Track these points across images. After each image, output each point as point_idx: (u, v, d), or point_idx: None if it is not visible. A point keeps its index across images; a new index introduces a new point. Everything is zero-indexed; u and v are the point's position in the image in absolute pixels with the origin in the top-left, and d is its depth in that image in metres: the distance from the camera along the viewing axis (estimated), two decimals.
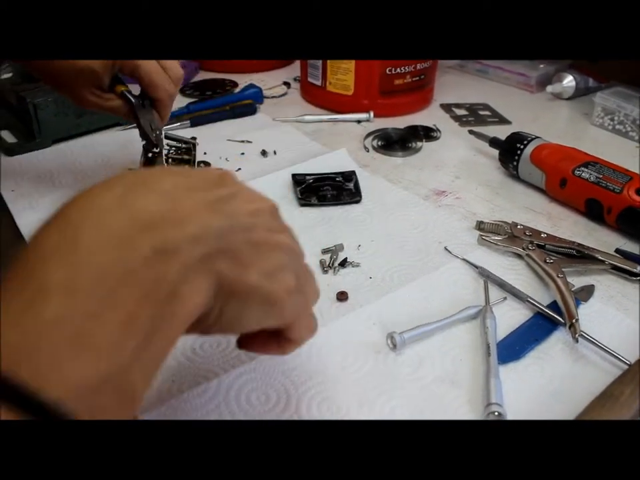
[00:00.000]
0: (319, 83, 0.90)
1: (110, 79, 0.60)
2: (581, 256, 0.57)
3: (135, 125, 0.64)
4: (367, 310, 0.51)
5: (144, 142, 0.64)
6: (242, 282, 0.30)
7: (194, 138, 0.72)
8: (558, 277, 0.53)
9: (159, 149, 0.63)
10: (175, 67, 0.62)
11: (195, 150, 0.69)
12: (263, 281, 0.31)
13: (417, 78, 0.87)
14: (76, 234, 0.24)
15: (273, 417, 0.42)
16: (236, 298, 0.30)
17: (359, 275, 0.56)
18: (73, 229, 0.25)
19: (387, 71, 0.84)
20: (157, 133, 0.63)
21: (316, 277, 0.55)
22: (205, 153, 0.78)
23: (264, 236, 0.32)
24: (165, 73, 0.61)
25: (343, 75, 0.86)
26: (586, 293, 0.54)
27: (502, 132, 0.75)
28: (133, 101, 0.62)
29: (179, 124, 0.85)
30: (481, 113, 0.91)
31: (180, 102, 0.92)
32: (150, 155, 0.63)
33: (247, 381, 0.45)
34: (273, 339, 0.37)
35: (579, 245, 0.58)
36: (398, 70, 0.85)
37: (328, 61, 0.86)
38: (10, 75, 0.90)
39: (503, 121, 0.89)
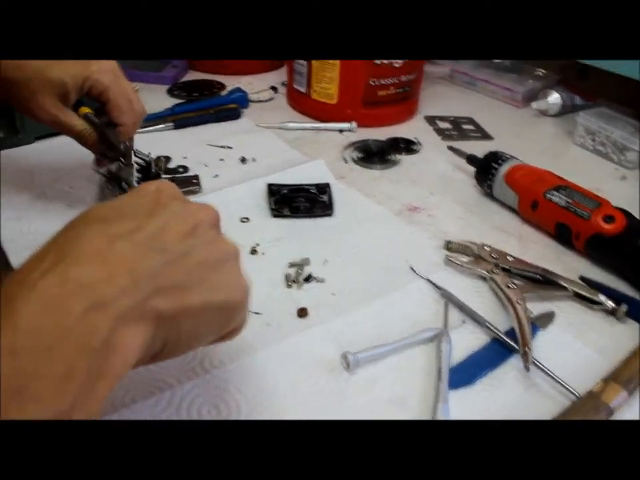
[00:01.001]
0: (304, 90, 0.90)
1: (76, 98, 0.59)
2: (545, 281, 0.57)
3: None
4: (326, 327, 0.52)
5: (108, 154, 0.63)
6: (187, 307, 0.32)
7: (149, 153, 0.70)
8: (517, 302, 0.53)
9: (127, 160, 0.63)
10: (139, 101, 0.63)
11: (151, 166, 0.68)
12: (212, 296, 0.34)
13: (401, 90, 0.87)
14: (14, 304, 0.27)
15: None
16: (187, 321, 0.33)
17: (323, 290, 0.56)
18: (12, 299, 0.27)
19: (371, 82, 0.85)
20: (125, 144, 0.63)
21: (279, 291, 0.56)
22: (184, 157, 0.78)
23: (204, 255, 0.34)
24: (130, 104, 0.61)
25: (327, 83, 0.86)
26: (546, 319, 0.54)
27: (483, 147, 0.75)
28: (97, 121, 0.61)
29: (162, 126, 0.85)
30: (465, 127, 0.91)
31: (166, 102, 0.92)
32: (117, 165, 0.62)
33: (200, 394, 0.45)
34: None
35: (544, 270, 0.58)
36: (382, 81, 0.85)
37: (312, 68, 0.86)
38: None
39: (486, 136, 0.89)
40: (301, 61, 0.88)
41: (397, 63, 0.84)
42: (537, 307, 0.55)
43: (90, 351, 0.28)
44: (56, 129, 0.62)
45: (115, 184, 0.62)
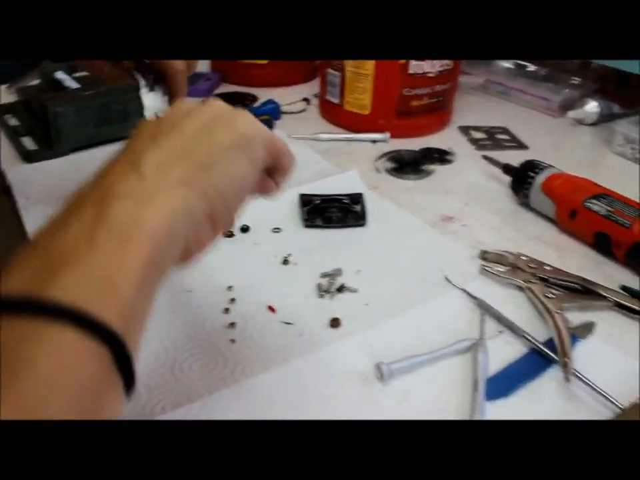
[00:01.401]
0: (336, 101, 0.90)
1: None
2: (584, 291, 0.56)
3: None
4: (358, 338, 0.51)
5: None
6: (206, 156, 0.34)
7: None
8: (556, 312, 0.52)
9: None
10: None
11: None
12: (224, 138, 0.36)
13: (435, 99, 0.87)
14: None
15: None
16: (214, 167, 0.34)
17: (356, 300, 0.56)
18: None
19: (404, 92, 0.84)
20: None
21: (312, 301, 0.56)
22: None
23: (202, 118, 0.36)
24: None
25: (360, 94, 0.86)
26: (585, 329, 0.52)
27: (518, 157, 0.74)
28: (141, 82, 0.59)
29: None
30: (499, 136, 0.90)
31: None
32: None
33: (230, 404, 0.45)
34: (266, 177, 0.42)
35: (583, 279, 0.56)
36: (416, 91, 0.84)
37: (346, 79, 0.86)
38: (38, 81, 0.93)
39: (521, 146, 0.88)
40: (334, 72, 0.88)
41: (431, 72, 0.83)
42: (576, 317, 0.53)
43: (107, 221, 0.28)
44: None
45: None
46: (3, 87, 1.03)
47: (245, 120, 0.38)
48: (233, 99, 1.01)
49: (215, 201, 0.34)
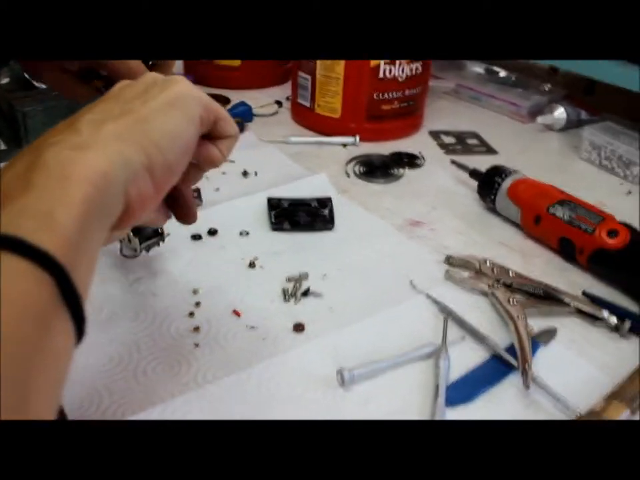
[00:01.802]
0: (307, 104, 0.90)
1: (79, 69, 0.57)
2: (547, 297, 0.56)
3: None
4: (322, 342, 0.51)
5: None
6: (142, 113, 0.35)
7: None
8: (518, 318, 0.52)
9: None
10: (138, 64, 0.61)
11: None
12: (159, 98, 0.36)
13: (405, 104, 0.87)
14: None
15: None
16: (151, 123, 0.34)
17: (320, 305, 0.56)
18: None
19: (375, 96, 0.84)
20: None
21: (276, 305, 0.56)
22: None
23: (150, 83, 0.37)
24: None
25: (331, 97, 0.86)
26: (547, 335, 0.53)
27: (488, 162, 0.74)
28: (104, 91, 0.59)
29: None
30: (469, 141, 0.91)
31: None
32: None
33: (192, 409, 0.44)
34: (210, 144, 0.41)
35: (546, 285, 0.57)
36: (386, 95, 0.85)
37: (317, 83, 0.86)
38: (7, 80, 0.91)
39: (490, 151, 0.88)
40: (305, 75, 0.88)
41: (401, 77, 0.84)
42: (538, 323, 0.54)
43: (46, 165, 0.29)
44: (60, 92, 0.59)
45: None
46: None
47: (182, 83, 0.38)
48: None
49: (152, 153, 0.34)
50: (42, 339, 0.24)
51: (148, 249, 0.58)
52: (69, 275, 0.26)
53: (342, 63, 0.82)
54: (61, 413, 0.42)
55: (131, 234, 0.56)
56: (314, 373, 0.48)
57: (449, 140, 0.91)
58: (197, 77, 1.08)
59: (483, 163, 0.76)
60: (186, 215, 0.45)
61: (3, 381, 0.22)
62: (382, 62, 0.82)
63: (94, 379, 0.47)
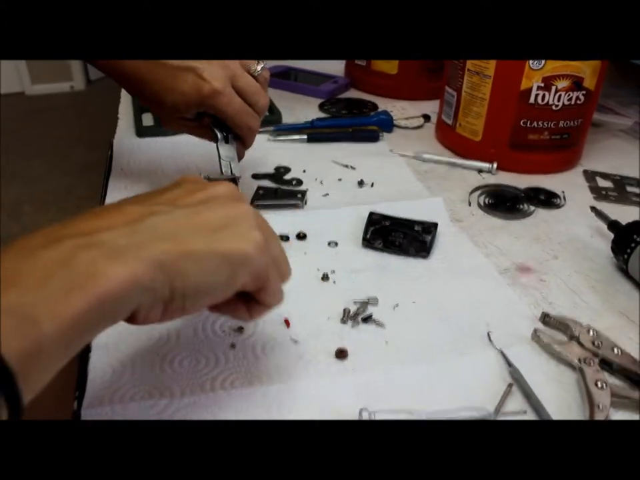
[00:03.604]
0: (450, 122, 0.84)
1: (194, 114, 0.63)
2: None
3: None
4: (359, 376, 0.46)
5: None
6: (188, 252, 0.33)
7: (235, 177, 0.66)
8: (599, 407, 0.43)
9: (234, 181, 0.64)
10: (261, 98, 0.63)
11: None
12: (216, 244, 0.34)
13: (558, 136, 0.77)
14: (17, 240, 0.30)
15: None
16: (190, 267, 0.33)
17: (377, 336, 0.50)
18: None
19: (522, 123, 0.76)
20: (232, 165, 0.64)
21: (330, 325, 0.52)
22: (304, 171, 0.77)
23: (211, 214, 0.36)
24: (250, 108, 0.63)
25: (473, 118, 0.79)
26: None
27: None
28: (218, 135, 0.64)
29: (296, 137, 0.85)
30: (630, 189, 0.78)
31: (314, 115, 0.92)
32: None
33: (194, 413, 0.42)
34: (241, 302, 0.39)
35: None
36: (535, 124, 0.76)
37: (461, 101, 0.80)
38: None
39: None
40: (452, 91, 0.82)
41: (556, 105, 0.74)
42: (627, 417, 0.44)
43: (71, 265, 0.29)
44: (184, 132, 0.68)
45: None
46: None
47: (253, 237, 0.36)
48: (352, 105, 0.99)
49: (177, 294, 0.33)
50: None
51: None
52: (16, 383, 0.26)
53: (489, 82, 0.75)
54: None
55: None
56: (335, 407, 0.43)
57: (604, 184, 0.79)
58: (353, 81, 1.07)
59: (637, 216, 0.64)
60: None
61: None
62: (535, 85, 0.73)
63: (127, 350, 0.47)
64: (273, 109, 0.94)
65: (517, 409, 0.44)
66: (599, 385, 0.45)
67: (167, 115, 0.63)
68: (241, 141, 0.66)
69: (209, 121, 0.64)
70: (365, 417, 0.41)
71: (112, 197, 0.70)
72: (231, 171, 0.64)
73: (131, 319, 0.33)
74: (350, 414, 0.43)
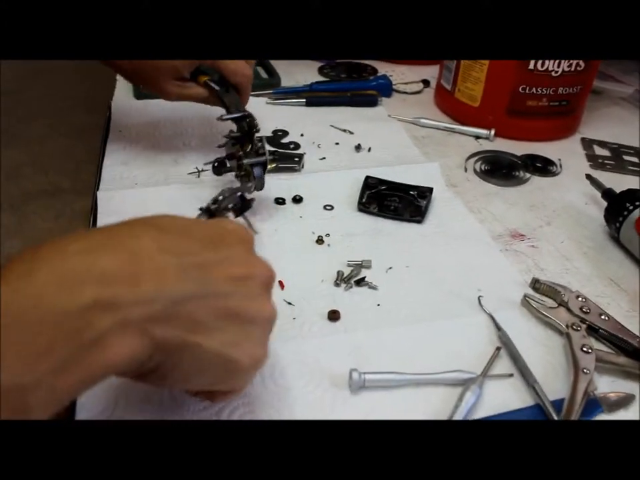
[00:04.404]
0: (449, 87, 0.83)
1: (189, 71, 0.63)
2: (638, 357, 0.47)
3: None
4: (350, 337, 0.47)
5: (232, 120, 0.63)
6: (193, 346, 0.30)
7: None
8: (584, 370, 0.44)
9: (248, 123, 0.61)
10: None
11: (253, 126, 0.62)
12: (222, 348, 0.32)
13: (557, 103, 0.77)
14: (32, 265, 0.26)
15: (196, 409, 0.41)
16: (187, 360, 0.31)
17: (370, 298, 0.51)
18: (32, 260, 0.27)
19: (520, 89, 0.75)
20: (242, 110, 0.63)
21: (324, 287, 0.52)
22: (301, 135, 0.77)
23: (239, 305, 0.32)
24: (240, 65, 0.63)
25: (472, 83, 0.79)
26: (617, 402, 0.44)
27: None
28: (217, 88, 0.64)
29: (295, 100, 0.85)
30: (627, 158, 0.78)
31: (312, 79, 0.92)
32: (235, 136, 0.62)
33: None
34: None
35: None
36: (533, 90, 0.75)
37: (461, 66, 0.79)
38: None
39: None
40: None
41: (556, 71, 0.74)
42: (617, 385, 0.45)
43: (77, 341, 0.26)
44: (183, 100, 0.66)
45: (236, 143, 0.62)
46: None
47: (259, 355, 0.35)
48: (352, 69, 0.98)
49: (158, 372, 0.31)
50: None
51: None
52: None
53: None
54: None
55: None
56: (326, 368, 0.44)
57: (602, 152, 0.79)
58: None
59: (634, 185, 0.64)
60: None
61: None
62: None
63: None
64: (272, 72, 0.93)
65: (504, 372, 0.45)
66: (585, 350, 0.46)
67: (165, 80, 0.63)
68: (239, 93, 0.66)
69: (205, 78, 0.64)
70: (355, 377, 0.42)
71: (110, 158, 0.70)
72: (239, 110, 0.63)
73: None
74: (341, 374, 0.44)
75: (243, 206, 0.55)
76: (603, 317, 0.49)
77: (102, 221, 0.59)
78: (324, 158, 0.72)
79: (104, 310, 0.27)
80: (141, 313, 0.28)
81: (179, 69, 0.62)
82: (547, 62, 0.72)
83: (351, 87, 0.87)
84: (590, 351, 0.46)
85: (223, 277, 0.32)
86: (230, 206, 0.54)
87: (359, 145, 0.75)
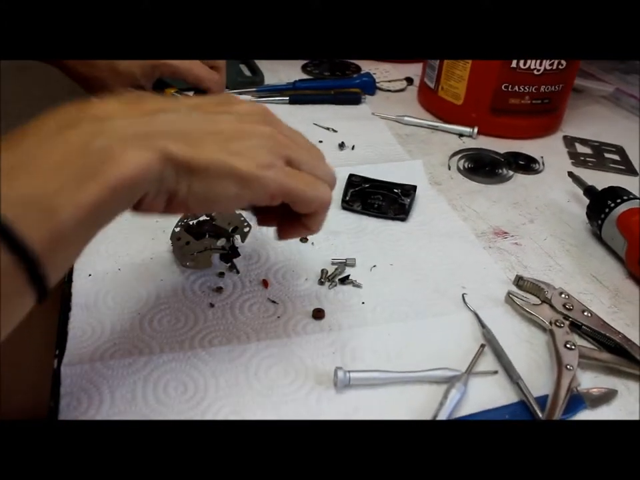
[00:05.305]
0: (432, 85, 0.83)
1: (151, 83, 0.62)
2: (620, 352, 0.47)
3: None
4: (334, 335, 0.47)
5: None
6: (195, 158, 0.32)
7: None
8: (567, 366, 0.44)
9: None
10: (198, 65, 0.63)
11: None
12: (222, 157, 0.34)
13: (539, 101, 0.77)
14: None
15: (182, 409, 0.40)
16: (197, 174, 0.33)
17: (354, 296, 0.51)
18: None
19: (503, 87, 0.76)
20: None
21: (308, 285, 0.52)
22: None
23: (232, 125, 0.35)
24: (203, 64, 0.62)
25: (455, 81, 0.79)
26: (600, 397, 0.44)
27: (622, 183, 0.62)
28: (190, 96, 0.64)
29: (277, 98, 0.84)
30: (608, 156, 0.78)
31: (296, 77, 0.91)
32: None
33: (173, 370, 0.43)
34: (295, 223, 0.41)
35: (625, 338, 0.47)
36: (516, 88, 0.76)
37: (444, 64, 0.80)
38: None
39: (630, 171, 0.76)
40: None
41: (538, 69, 0.74)
42: (600, 381, 0.45)
43: (86, 152, 0.29)
44: None
45: None
46: None
47: (256, 155, 0.35)
48: (335, 66, 0.97)
49: (180, 193, 0.33)
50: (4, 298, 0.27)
51: None
52: (40, 266, 0.27)
53: None
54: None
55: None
56: (311, 366, 0.44)
57: (583, 150, 0.79)
58: None
59: (615, 183, 0.64)
60: None
61: None
62: None
63: (107, 310, 0.48)
64: (255, 69, 0.92)
65: (488, 369, 0.45)
66: (568, 346, 0.46)
67: (120, 88, 0.61)
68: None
69: (172, 90, 0.64)
70: (340, 376, 0.42)
71: None
72: None
73: (136, 205, 0.33)
74: (326, 373, 0.44)
75: None
76: (585, 313, 0.50)
77: None
78: None
79: (101, 135, 0.30)
80: (138, 132, 0.31)
81: (137, 76, 0.60)
82: (529, 60, 0.73)
83: (335, 85, 0.87)
84: (573, 347, 0.46)
85: (210, 105, 0.36)
86: None
87: (343, 142, 0.75)
